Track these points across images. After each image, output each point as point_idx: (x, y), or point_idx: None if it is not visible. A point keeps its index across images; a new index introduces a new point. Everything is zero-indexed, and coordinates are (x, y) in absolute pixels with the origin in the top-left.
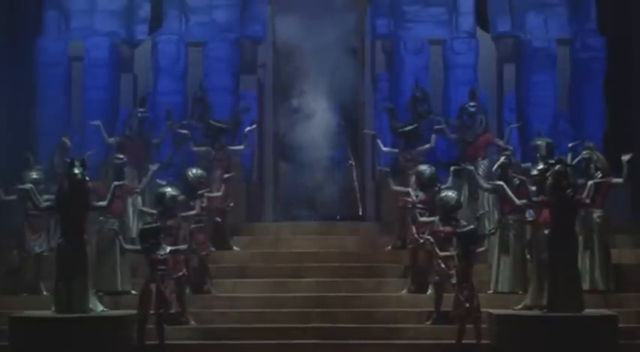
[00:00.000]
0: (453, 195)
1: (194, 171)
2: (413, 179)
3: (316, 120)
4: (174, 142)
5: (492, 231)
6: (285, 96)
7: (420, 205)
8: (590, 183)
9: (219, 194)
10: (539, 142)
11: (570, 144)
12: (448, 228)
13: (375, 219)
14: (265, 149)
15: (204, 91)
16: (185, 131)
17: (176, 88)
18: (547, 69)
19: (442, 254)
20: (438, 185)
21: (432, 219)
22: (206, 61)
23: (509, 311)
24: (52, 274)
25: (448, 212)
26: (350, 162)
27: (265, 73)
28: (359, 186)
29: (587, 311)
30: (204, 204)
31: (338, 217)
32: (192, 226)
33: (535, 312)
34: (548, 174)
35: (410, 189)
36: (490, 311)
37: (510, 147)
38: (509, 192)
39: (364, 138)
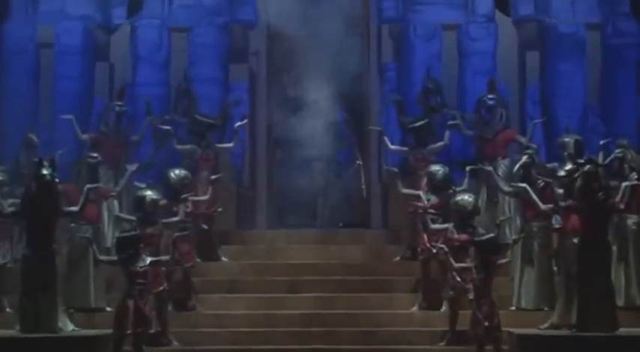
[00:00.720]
0: (470, 199)
1: (177, 171)
2: (424, 181)
3: (316, 114)
4: (155, 139)
5: (514, 239)
6: (280, 88)
7: (432, 210)
8: (624, 185)
9: (205, 198)
10: (566, 139)
11: (602, 142)
12: (464, 237)
13: (382, 227)
14: (258, 147)
15: (189, 82)
16: (168, 127)
17: (158, 78)
18: (575, 57)
19: (457, 265)
20: (453, 187)
21: (445, 226)
22: (191, 48)
23: (534, 331)
24: (17, 288)
25: (464, 218)
26: (358, 162)
27: (258, 62)
28: (365, 190)
29: (622, 330)
30: (188, 210)
31: (340, 224)
32: (176, 234)
33: (563, 332)
34: (576, 175)
35: (421, 193)
36: (512, 330)
37: (534, 145)
38: (533, 196)
39: (369, 134)
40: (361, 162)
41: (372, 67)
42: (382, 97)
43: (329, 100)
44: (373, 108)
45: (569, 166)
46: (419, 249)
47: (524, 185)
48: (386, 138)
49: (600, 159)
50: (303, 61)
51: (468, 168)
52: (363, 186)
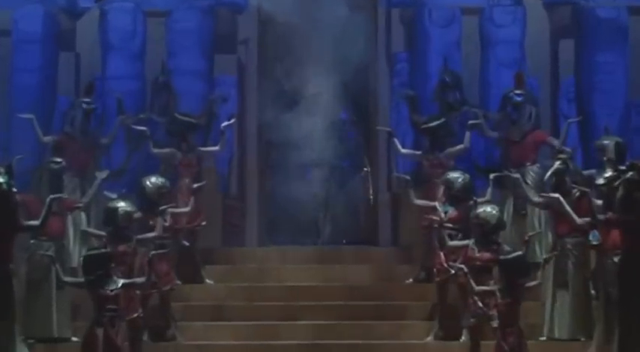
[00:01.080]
0: (494, 212)
1: (154, 179)
2: (441, 190)
3: (315, 113)
4: (128, 142)
5: (546, 258)
6: (273, 82)
7: (449, 224)
8: None
9: (186, 210)
10: (605, 142)
11: None
12: (487, 255)
13: (392, 243)
14: (248, 151)
15: (167, 75)
16: (143, 127)
17: (131, 70)
18: (616, 46)
19: (479, 288)
20: (474, 198)
21: (465, 242)
22: (170, 35)
23: None
24: None
25: (487, 233)
26: (364, 168)
27: (247, 52)
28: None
29: None
30: (167, 224)
31: (343, 241)
32: (152, 252)
33: None
34: (617, 183)
35: (437, 204)
36: None
37: (568, 149)
38: (568, 208)
39: (377, 136)
40: (369, 169)
41: (380, 58)
42: (392, 93)
43: (330, 96)
44: (381, 105)
45: (608, 173)
46: (434, 270)
47: (556, 195)
48: (396, 141)
49: None
50: (300, 51)
51: (491, 176)
52: (371, 196)
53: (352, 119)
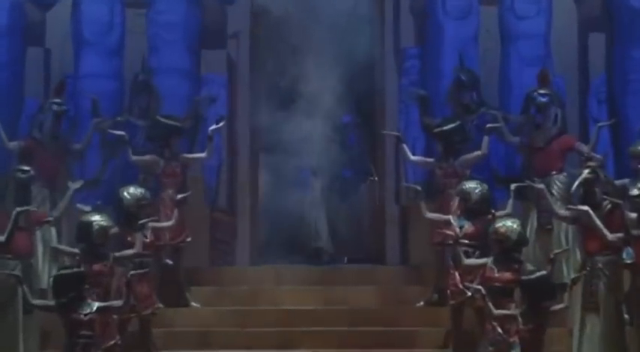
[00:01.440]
0: (515, 227)
1: (132, 190)
2: (456, 202)
3: (315, 116)
4: (104, 148)
5: (574, 278)
6: (268, 81)
7: (465, 240)
8: None
9: (169, 224)
10: None
11: None
12: (507, 275)
13: (400, 262)
14: (239, 158)
15: (148, 74)
16: (121, 132)
17: (108, 68)
18: None
19: (499, 312)
20: (493, 211)
21: (483, 260)
22: (152, 28)
23: None
24: None
25: (507, 250)
26: (371, 178)
27: (239, 47)
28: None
29: None
30: (147, 240)
31: (345, 259)
32: (131, 272)
33: None
34: None
35: (451, 217)
36: None
37: (599, 156)
38: (598, 222)
39: (384, 141)
40: (376, 178)
41: (388, 54)
42: (401, 93)
43: (331, 97)
44: (389, 106)
45: None
46: (448, 292)
47: (585, 208)
48: (405, 147)
49: None
50: (297, 46)
51: (512, 186)
52: (377, 203)
53: (356, 122)
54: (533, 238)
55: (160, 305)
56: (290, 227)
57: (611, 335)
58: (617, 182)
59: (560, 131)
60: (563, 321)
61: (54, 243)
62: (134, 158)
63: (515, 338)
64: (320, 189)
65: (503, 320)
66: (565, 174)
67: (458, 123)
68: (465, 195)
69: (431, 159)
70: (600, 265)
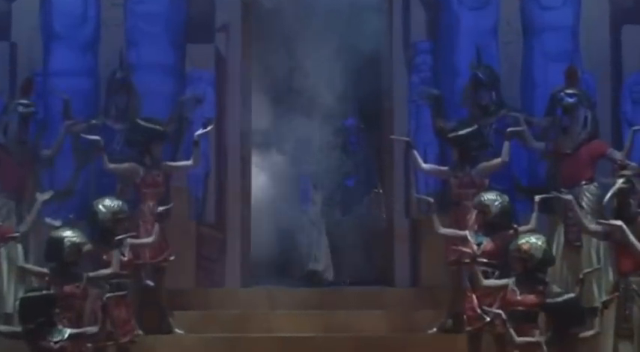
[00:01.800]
0: (540, 243)
1: (108, 202)
2: (473, 215)
3: (314, 119)
4: (77, 155)
5: (605, 301)
6: (261, 80)
7: (484, 259)
8: None
9: (150, 241)
10: None
11: None
12: (531, 297)
13: (411, 283)
14: (229, 166)
15: (127, 71)
16: (96, 137)
17: (81, 64)
18: None
19: (521, 340)
20: (515, 226)
21: (504, 282)
22: (131, 20)
23: None
24: None
25: (531, 270)
26: (375, 189)
27: (228, 41)
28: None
29: None
30: (125, 258)
31: (347, 281)
32: (108, 295)
33: None
34: None
35: (468, 233)
36: None
37: (634, 164)
38: (632, 238)
39: (392, 147)
40: (381, 190)
41: (396, 49)
42: (411, 92)
43: (333, 97)
44: (397, 108)
45: None
46: (465, 317)
47: (618, 222)
48: (416, 153)
49: None
50: (294, 40)
51: (536, 198)
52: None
53: (360, 126)
54: (560, 256)
55: (140, 332)
56: (286, 243)
57: None
58: None
59: (590, 135)
60: (594, 349)
61: (20, 261)
62: (110, 166)
63: None
64: (320, 201)
65: (526, 348)
66: (596, 184)
67: (475, 126)
68: (483, 208)
69: (445, 168)
70: (635, 286)
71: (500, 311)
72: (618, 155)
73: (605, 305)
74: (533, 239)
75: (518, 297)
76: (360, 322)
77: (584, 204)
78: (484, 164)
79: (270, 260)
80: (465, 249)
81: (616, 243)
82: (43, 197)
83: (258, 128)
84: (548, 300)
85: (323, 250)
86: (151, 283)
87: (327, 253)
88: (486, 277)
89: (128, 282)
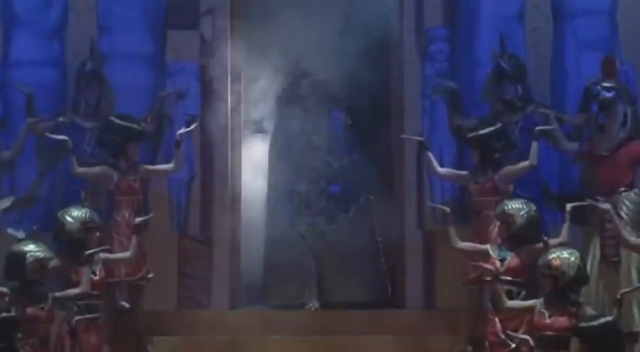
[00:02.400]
0: (572, 259)
1: (77, 212)
2: (496, 227)
3: (312, 116)
4: (41, 157)
5: None
6: (252, 71)
7: (508, 277)
8: None
9: (125, 256)
10: None
11: None
12: (562, 321)
13: (424, 305)
14: (216, 170)
15: (98, 61)
16: (63, 137)
17: (46, 54)
18: None
19: None
20: (544, 238)
21: (531, 302)
22: (103, 3)
23: None
24: None
25: (562, 289)
26: (368, 196)
27: (215, 27)
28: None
29: None
30: (97, 276)
31: (316, 305)
32: (76, 318)
33: None
34: None
35: (489, 247)
36: None
37: None
38: None
39: (402, 148)
40: (372, 197)
41: (408, 36)
42: (424, 86)
43: (334, 91)
44: (409, 103)
45: None
46: (486, 343)
47: None
48: (431, 155)
49: None
50: (291, 26)
51: (568, 207)
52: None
53: (366, 123)
54: (596, 274)
55: None
56: (281, 259)
57: None
58: None
59: (629, 135)
60: None
61: None
62: (80, 170)
63: None
64: (319, 211)
65: None
66: (637, 190)
67: (498, 125)
68: (507, 218)
69: (463, 172)
70: None
71: (526, 337)
72: None
73: None
74: (564, 254)
75: (547, 320)
76: (366, 349)
77: (623, 213)
78: (508, 168)
79: (263, 277)
80: (486, 266)
81: None
82: (2, 204)
83: (248, 126)
84: (582, 324)
85: (324, 263)
86: (126, 304)
87: (330, 268)
88: (511, 297)
89: (100, 303)
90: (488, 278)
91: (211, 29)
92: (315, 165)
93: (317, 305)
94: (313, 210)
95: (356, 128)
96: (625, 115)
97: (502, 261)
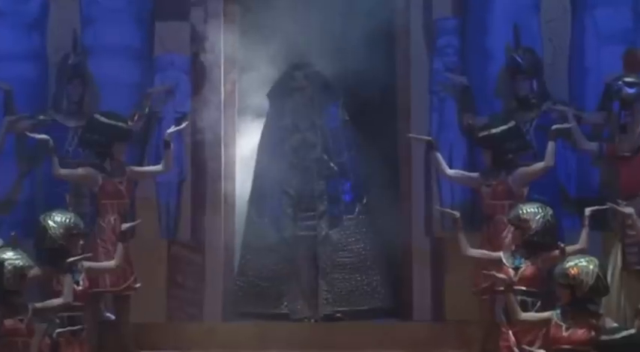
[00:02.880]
0: (591, 267)
1: (59, 217)
2: (509, 233)
3: (310, 112)
4: (20, 157)
5: None
6: (247, 64)
7: (522, 286)
8: None
9: (110, 264)
10: None
11: None
12: (581, 334)
13: (433, 317)
14: (209, 172)
15: (82, 55)
16: (44, 136)
17: (25, 47)
18: None
19: None
20: (561, 245)
21: (547, 314)
22: None
23: None
24: None
25: (581, 300)
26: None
27: (207, 18)
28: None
29: None
30: (80, 287)
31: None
32: (58, 330)
33: None
34: None
35: (502, 254)
36: None
37: None
38: None
39: (409, 148)
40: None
41: (415, 27)
42: (432, 81)
43: (335, 85)
44: (416, 100)
45: None
46: None
47: None
48: (439, 156)
49: None
50: (289, 14)
51: (588, 211)
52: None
53: (368, 120)
54: (617, 283)
55: None
56: (277, 268)
57: None
58: None
59: None
60: None
61: None
62: (62, 171)
63: None
64: (318, 216)
65: None
66: None
67: (512, 123)
68: (521, 224)
69: (475, 174)
70: None
71: (542, 351)
72: None
73: None
74: (583, 261)
75: (565, 334)
76: None
77: None
78: (523, 169)
79: (259, 287)
80: (498, 275)
81: None
82: None
83: (245, 124)
84: (603, 337)
85: (323, 272)
86: (111, 316)
87: (329, 277)
88: (526, 309)
89: (83, 315)
90: (501, 288)
91: (203, 15)
92: (309, 164)
93: (316, 317)
94: (306, 211)
95: (356, 125)
96: None
97: (516, 269)
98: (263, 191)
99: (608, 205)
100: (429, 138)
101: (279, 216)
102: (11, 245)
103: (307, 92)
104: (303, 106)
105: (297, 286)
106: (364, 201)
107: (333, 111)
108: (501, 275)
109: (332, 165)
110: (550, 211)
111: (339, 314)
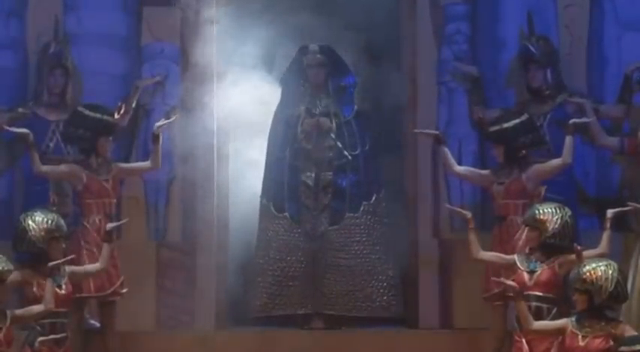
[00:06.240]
0: (610, 271)
1: (41, 217)
2: (523, 235)
3: (312, 103)
4: None
5: None
6: (241, 52)
7: (537, 292)
8: None
9: (96, 268)
10: None
11: None
12: (598, 342)
13: (441, 324)
14: (200, 168)
15: (64, 43)
16: (23, 130)
17: (3, 36)
18: None
19: None
20: (578, 247)
21: (563, 321)
22: None
23: None
24: None
25: (599, 307)
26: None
27: (200, 3)
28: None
29: None
30: (63, 291)
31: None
32: (40, 339)
33: None
34: None
35: (516, 257)
36: None
37: None
38: None
39: (415, 144)
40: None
41: (422, 13)
42: (440, 71)
43: (336, 77)
44: (423, 92)
45: None
46: None
47: None
48: (447, 152)
49: None
50: (286, 5)
51: (610, 213)
52: None
53: (372, 114)
54: (638, 288)
55: None
56: (274, 272)
57: None
58: None
59: None
60: None
61: None
62: (44, 168)
63: None
64: (317, 216)
65: None
66: None
67: (525, 117)
68: (538, 225)
69: (486, 171)
70: None
71: None
72: None
73: None
74: (601, 266)
75: (581, 343)
76: None
77: None
78: (538, 167)
79: (255, 292)
80: (507, 282)
81: None
82: None
83: (240, 116)
84: (622, 348)
85: (323, 276)
86: (96, 323)
87: (330, 281)
88: (541, 316)
89: (66, 323)
90: (513, 294)
91: (194, 5)
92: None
93: (318, 324)
94: (318, 206)
95: (366, 118)
96: None
97: (531, 273)
98: (278, 184)
99: (630, 205)
100: (437, 132)
101: (300, 209)
102: None
103: (322, 69)
104: (316, 89)
105: (305, 289)
106: (372, 200)
107: (347, 99)
108: (510, 283)
109: (346, 153)
110: (569, 212)
111: (342, 320)
